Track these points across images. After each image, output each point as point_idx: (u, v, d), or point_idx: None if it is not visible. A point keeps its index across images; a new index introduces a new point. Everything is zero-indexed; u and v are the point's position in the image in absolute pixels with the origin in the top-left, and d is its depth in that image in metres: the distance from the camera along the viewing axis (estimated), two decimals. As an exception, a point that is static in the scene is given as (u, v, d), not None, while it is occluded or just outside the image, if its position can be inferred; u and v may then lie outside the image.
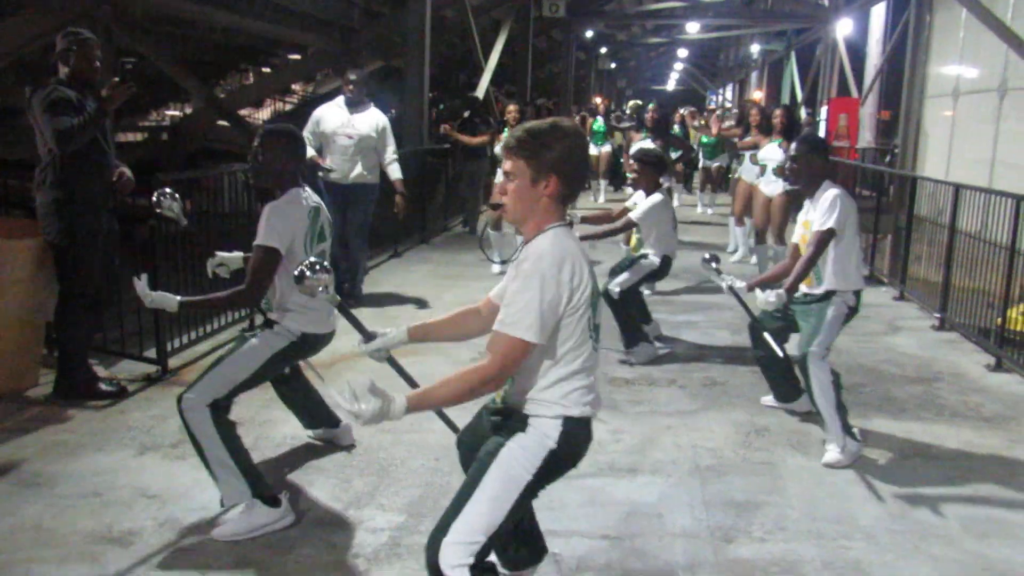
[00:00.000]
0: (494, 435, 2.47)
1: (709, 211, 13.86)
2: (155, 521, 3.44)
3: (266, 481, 3.49)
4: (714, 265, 4.64)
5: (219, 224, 6.38)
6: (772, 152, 8.16)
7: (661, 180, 6.29)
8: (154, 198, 3.77)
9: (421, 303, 7.37)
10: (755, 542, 3.43)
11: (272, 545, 3.31)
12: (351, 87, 7.08)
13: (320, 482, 3.87)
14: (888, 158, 15.26)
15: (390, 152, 7.14)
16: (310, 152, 6.50)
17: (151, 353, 5.24)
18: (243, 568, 3.13)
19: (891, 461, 4.27)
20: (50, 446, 4.11)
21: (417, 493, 3.77)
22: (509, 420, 2.47)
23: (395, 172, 7.17)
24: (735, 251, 9.77)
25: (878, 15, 18.06)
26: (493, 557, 2.52)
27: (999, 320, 6.06)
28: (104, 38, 9.94)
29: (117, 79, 4.49)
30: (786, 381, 4.78)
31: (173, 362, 5.30)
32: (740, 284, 4.53)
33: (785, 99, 24.27)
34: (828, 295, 4.36)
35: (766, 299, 4.22)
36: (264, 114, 15.98)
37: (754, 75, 33.06)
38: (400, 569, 3.15)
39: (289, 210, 3.52)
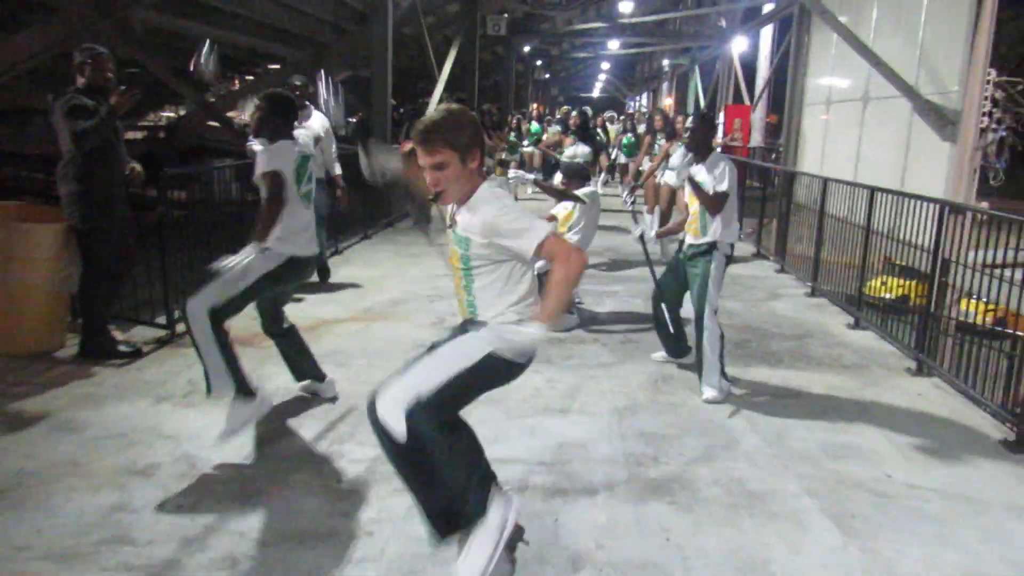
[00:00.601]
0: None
1: (628, 201, 14.03)
2: (171, 456, 3.53)
3: (247, 381, 3.63)
4: (637, 222, 4.92)
5: (214, 211, 6.36)
6: (679, 156, 8.35)
7: (589, 184, 6.44)
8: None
9: (387, 276, 7.44)
10: (660, 465, 3.64)
11: (271, 473, 3.42)
12: (298, 93, 6.49)
13: (308, 425, 3.98)
14: (774, 155, 15.63)
15: (333, 150, 6.80)
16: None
17: (161, 320, 5.26)
18: (247, 492, 3.25)
19: (768, 401, 4.51)
20: (78, 397, 4.16)
21: (389, 431, 3.91)
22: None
23: (337, 168, 6.83)
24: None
25: (767, 35, 18.38)
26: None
27: (860, 287, 6.35)
28: (109, 49, 9.77)
29: (124, 87, 4.49)
30: (676, 340, 5.00)
31: (179, 328, 5.32)
32: (651, 234, 4.82)
33: (690, 106, 24.54)
34: (711, 248, 4.54)
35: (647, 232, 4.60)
36: (246, 116, 15.70)
37: (665, 84, 33.29)
38: (376, 490, 3.30)
39: (279, 150, 3.75)
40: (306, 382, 4.30)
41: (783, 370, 5.05)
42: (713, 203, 4.47)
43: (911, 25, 9.88)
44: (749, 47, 19.46)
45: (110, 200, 4.58)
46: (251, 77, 16.16)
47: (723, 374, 4.49)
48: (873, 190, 6.06)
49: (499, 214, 2.47)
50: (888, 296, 6.49)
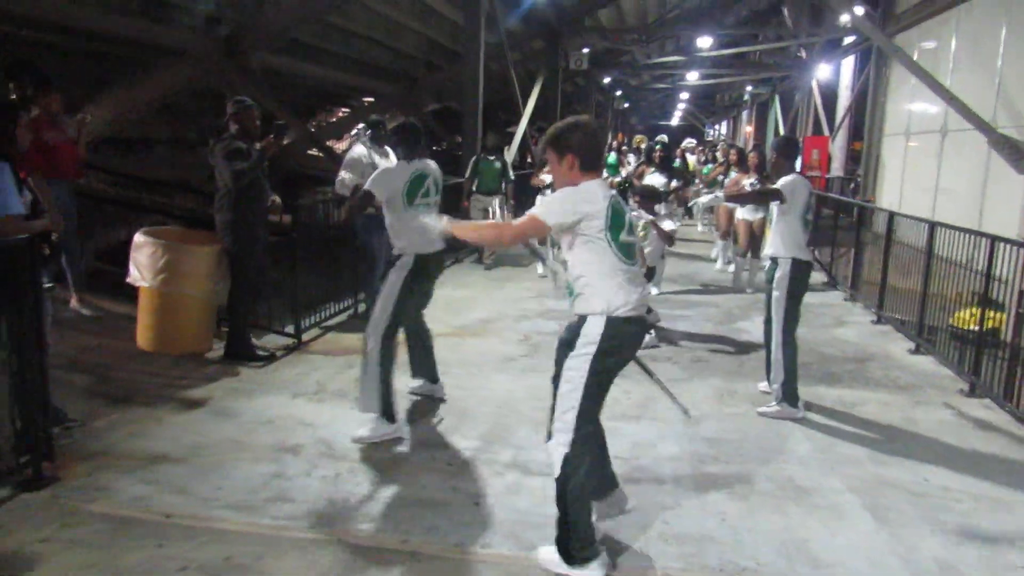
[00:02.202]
0: None
1: (707, 229, 14.48)
2: (312, 439, 4.33)
3: (393, 408, 4.37)
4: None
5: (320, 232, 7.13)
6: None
7: (656, 208, 7.02)
8: None
9: (476, 298, 8.17)
10: (720, 463, 4.24)
11: (395, 455, 4.17)
12: (385, 130, 7.03)
13: (422, 420, 4.72)
14: (852, 184, 15.85)
15: None
16: (351, 183, 6.51)
17: (289, 329, 6.13)
18: (377, 468, 3.99)
19: (824, 414, 5.04)
20: (230, 391, 5.02)
21: (486, 428, 4.62)
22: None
23: None
24: (717, 260, 10.52)
25: (848, 63, 18.59)
26: None
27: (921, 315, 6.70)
28: (228, 86, 10.93)
29: (272, 136, 5.39)
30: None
31: (305, 336, 6.20)
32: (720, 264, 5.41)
33: (770, 135, 24.80)
34: (773, 261, 5.05)
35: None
36: (342, 145, 16.89)
37: (745, 113, 33.53)
38: (480, 471, 4.00)
39: (392, 171, 4.54)
40: (419, 382, 5.03)
41: (840, 388, 5.56)
42: (753, 195, 5.13)
43: (989, 57, 10.10)
44: (832, 73, 19.67)
45: (256, 227, 5.47)
46: (346, 110, 17.31)
47: (790, 395, 4.97)
48: (933, 224, 6.49)
49: None
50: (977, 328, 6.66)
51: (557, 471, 3.06)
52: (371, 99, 16.75)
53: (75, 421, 4.35)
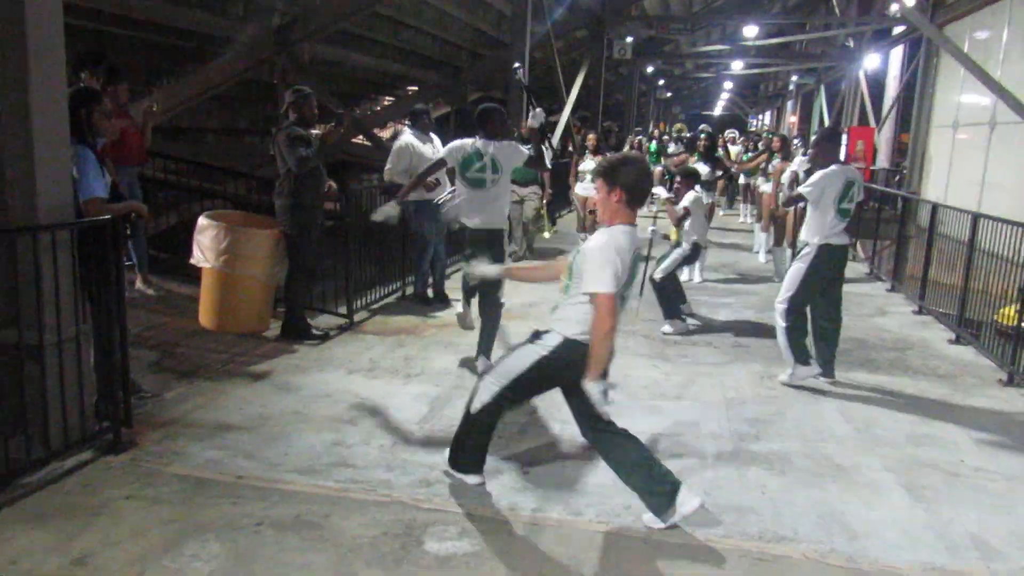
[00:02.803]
0: None
1: (749, 219, 14.52)
2: (368, 412, 4.58)
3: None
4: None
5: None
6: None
7: (697, 190, 7.19)
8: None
9: (519, 283, 8.32)
10: (760, 441, 4.41)
11: (447, 427, 4.38)
12: (426, 119, 7.26)
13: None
14: (897, 177, 15.75)
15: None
16: (406, 172, 6.79)
17: (342, 310, 6.41)
18: (430, 440, 4.23)
19: (863, 398, 5.17)
20: (289, 367, 5.31)
21: (533, 404, 4.83)
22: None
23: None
24: (758, 251, 10.59)
25: (896, 53, 18.37)
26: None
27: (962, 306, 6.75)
28: (280, 75, 11.28)
29: (333, 123, 5.65)
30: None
31: (356, 317, 6.47)
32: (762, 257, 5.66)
33: (815, 125, 24.61)
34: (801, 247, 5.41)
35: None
36: (387, 133, 17.21)
37: (790, 103, 33.23)
38: (528, 444, 4.22)
39: (454, 146, 5.27)
40: (483, 358, 5.24)
41: (880, 375, 5.67)
42: (786, 199, 5.54)
43: (1040, 48, 10.06)
44: (880, 63, 19.46)
45: (314, 211, 5.75)
46: (391, 98, 17.62)
47: (801, 361, 5.32)
48: (976, 216, 6.54)
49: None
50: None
51: (477, 406, 3.51)
52: (415, 88, 17.04)
53: (148, 392, 4.67)
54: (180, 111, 10.88)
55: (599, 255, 3.23)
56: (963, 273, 6.64)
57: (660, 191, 7.24)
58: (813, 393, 5.24)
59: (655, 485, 3.37)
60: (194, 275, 6.27)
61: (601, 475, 3.70)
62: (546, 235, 10.95)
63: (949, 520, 3.59)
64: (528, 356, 3.43)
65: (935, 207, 7.64)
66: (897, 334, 6.86)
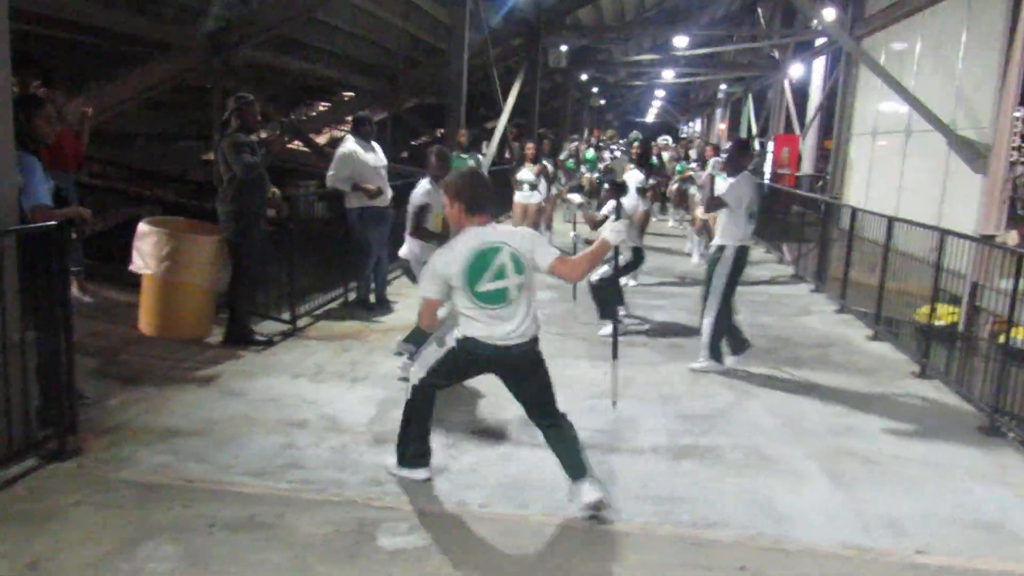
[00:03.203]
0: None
1: (680, 224, 14.93)
2: (316, 415, 4.68)
3: None
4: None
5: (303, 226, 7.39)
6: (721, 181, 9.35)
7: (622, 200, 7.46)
8: None
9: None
10: (693, 436, 4.66)
11: (393, 430, 4.51)
12: (368, 126, 7.30)
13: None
14: (820, 182, 16.41)
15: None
16: (349, 179, 6.94)
17: (285, 316, 6.46)
18: (378, 440, 4.35)
19: (789, 393, 5.49)
20: (234, 372, 5.35)
21: (481, 404, 4.99)
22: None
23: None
24: (692, 255, 10.97)
25: (819, 63, 19.14)
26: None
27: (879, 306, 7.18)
28: (215, 80, 11.17)
29: (277, 131, 5.71)
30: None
31: (301, 322, 6.53)
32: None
33: (743, 132, 25.37)
34: (719, 249, 5.83)
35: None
36: (322, 139, 17.17)
37: (719, 111, 34.14)
38: (473, 443, 4.38)
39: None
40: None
41: (805, 371, 6.01)
42: (707, 202, 5.90)
43: (950, 62, 10.65)
44: (804, 73, 20.22)
45: (256, 218, 5.80)
46: (327, 104, 17.57)
47: (715, 353, 5.83)
48: (890, 219, 6.97)
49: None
50: (940, 323, 6.85)
51: (409, 395, 3.83)
52: (351, 93, 17.03)
53: (89, 398, 4.66)
54: (110, 115, 10.70)
55: (425, 269, 3.66)
56: (880, 272, 7.05)
57: (574, 197, 7.54)
58: (742, 389, 5.53)
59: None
60: (130, 281, 6.26)
61: (546, 471, 3.88)
62: None
63: (865, 503, 3.88)
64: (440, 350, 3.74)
65: (854, 211, 8.09)
66: (820, 332, 7.25)
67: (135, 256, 5.75)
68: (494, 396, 5.14)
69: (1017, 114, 9.71)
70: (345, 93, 17.27)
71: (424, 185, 5.62)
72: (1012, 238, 8.59)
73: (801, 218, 11.25)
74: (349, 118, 21.82)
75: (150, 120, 14.58)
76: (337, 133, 20.13)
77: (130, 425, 4.41)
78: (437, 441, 4.35)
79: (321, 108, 17.66)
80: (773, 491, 3.96)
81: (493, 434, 4.55)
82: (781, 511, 3.75)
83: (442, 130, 15.26)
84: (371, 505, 3.64)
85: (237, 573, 3.08)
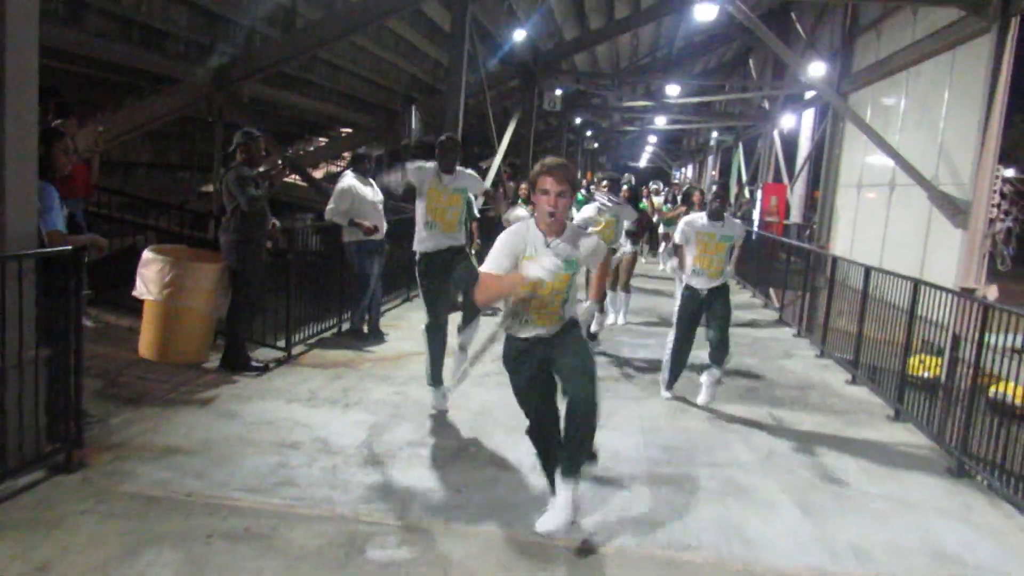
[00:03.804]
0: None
1: (669, 268, 15.21)
2: (309, 437, 4.88)
3: None
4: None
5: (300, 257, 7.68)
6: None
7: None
8: None
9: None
10: (672, 466, 4.89)
11: (386, 451, 4.73)
12: (370, 163, 7.65)
13: (406, 423, 5.31)
14: (808, 231, 16.79)
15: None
16: (346, 214, 7.25)
17: (280, 344, 6.68)
18: (369, 462, 4.56)
19: (766, 430, 5.72)
20: (230, 396, 5.55)
21: (466, 431, 5.21)
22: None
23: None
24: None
25: (808, 115, 19.68)
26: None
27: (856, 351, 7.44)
28: (217, 114, 11.51)
29: (280, 165, 6.00)
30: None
31: (295, 350, 6.75)
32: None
33: (733, 180, 25.92)
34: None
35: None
36: (319, 173, 17.52)
37: (710, 158, 34.76)
38: (461, 465, 4.59)
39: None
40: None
41: (783, 411, 6.26)
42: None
43: (933, 119, 11.07)
44: (793, 124, 20.76)
45: (258, 248, 6.05)
46: (325, 139, 17.97)
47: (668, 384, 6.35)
48: (868, 269, 7.28)
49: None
50: (927, 375, 6.92)
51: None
52: (350, 130, 17.45)
53: (94, 416, 4.86)
54: (112, 145, 11.00)
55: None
56: (858, 318, 7.34)
57: (518, 212, 7.83)
58: (721, 424, 5.78)
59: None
60: (129, 306, 6.49)
61: (531, 492, 4.10)
62: None
63: (834, 532, 4.11)
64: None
65: (835, 259, 8.40)
66: (800, 375, 7.51)
67: (138, 282, 5.98)
68: (482, 420, 5.39)
69: (998, 173, 10.06)
70: (344, 129, 17.71)
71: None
72: (992, 292, 8.90)
73: (787, 265, 11.56)
74: (346, 154, 22.42)
75: (151, 150, 14.92)
76: (333, 168, 20.59)
77: (132, 442, 4.60)
78: (424, 464, 4.59)
79: (320, 143, 18.02)
80: (746, 519, 4.18)
81: (479, 457, 4.77)
82: (752, 537, 3.97)
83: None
84: (361, 521, 3.85)
85: (235, 579, 3.29)
